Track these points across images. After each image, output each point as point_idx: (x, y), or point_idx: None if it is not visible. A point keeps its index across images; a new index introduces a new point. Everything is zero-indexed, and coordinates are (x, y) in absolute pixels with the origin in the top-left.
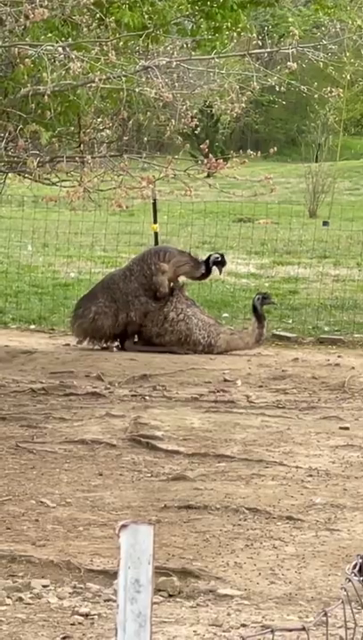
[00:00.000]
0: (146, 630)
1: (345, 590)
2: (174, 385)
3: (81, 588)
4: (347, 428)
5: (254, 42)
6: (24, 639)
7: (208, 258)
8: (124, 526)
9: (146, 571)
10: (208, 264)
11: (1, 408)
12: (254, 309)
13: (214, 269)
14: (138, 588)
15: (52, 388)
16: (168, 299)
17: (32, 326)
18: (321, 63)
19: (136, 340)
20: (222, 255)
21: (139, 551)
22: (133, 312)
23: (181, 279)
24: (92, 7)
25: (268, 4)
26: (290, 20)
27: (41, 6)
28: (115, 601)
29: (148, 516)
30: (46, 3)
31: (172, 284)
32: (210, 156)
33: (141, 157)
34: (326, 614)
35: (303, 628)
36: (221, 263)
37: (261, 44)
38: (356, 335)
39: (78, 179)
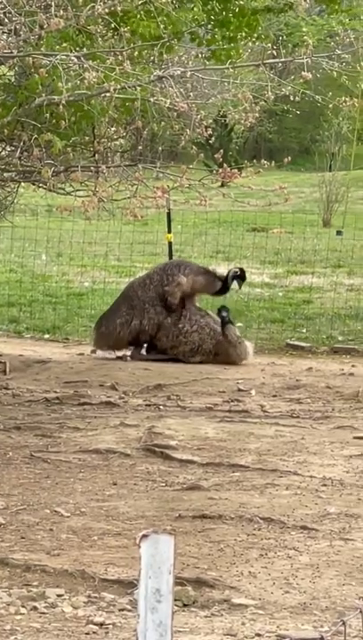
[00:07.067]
0: (167, 639)
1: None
2: (188, 394)
3: (95, 597)
4: (361, 438)
5: (269, 51)
6: None
7: (227, 273)
8: (145, 536)
9: (167, 580)
10: (226, 280)
11: (15, 417)
12: (225, 280)
13: (234, 284)
14: (159, 597)
15: (67, 398)
16: (182, 313)
17: (46, 336)
18: (335, 73)
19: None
20: (242, 269)
21: (159, 561)
22: (145, 320)
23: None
24: (106, 17)
25: (280, 11)
26: (304, 29)
27: (56, 16)
28: (129, 610)
29: (162, 526)
30: (61, 12)
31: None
32: (224, 165)
33: (155, 167)
34: (344, 624)
35: (322, 638)
36: (240, 277)
37: (275, 53)
38: None
39: (93, 188)
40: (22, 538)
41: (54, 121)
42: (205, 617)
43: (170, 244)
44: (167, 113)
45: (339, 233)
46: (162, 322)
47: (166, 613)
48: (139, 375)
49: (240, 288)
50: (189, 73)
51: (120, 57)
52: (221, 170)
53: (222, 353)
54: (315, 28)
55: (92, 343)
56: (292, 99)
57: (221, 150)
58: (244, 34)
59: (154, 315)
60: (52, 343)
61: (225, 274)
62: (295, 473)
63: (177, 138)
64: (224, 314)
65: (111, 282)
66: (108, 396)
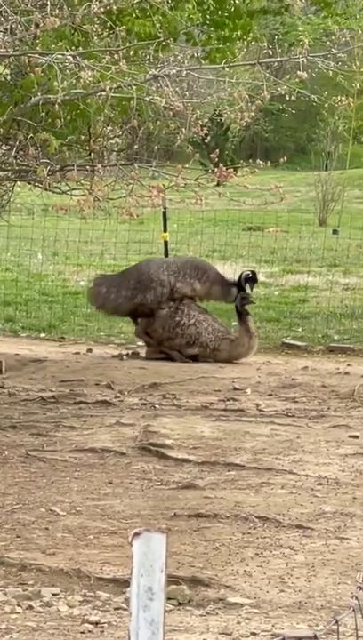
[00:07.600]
0: (158, 638)
1: (356, 599)
2: (184, 393)
3: (91, 596)
4: (357, 437)
5: (264, 51)
6: None
7: (239, 276)
8: (137, 534)
9: (159, 579)
10: (239, 283)
11: (11, 416)
12: (239, 283)
13: (246, 286)
14: (151, 595)
15: (62, 397)
16: (178, 306)
17: (42, 335)
18: (331, 72)
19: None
20: (254, 272)
21: (151, 559)
22: (148, 295)
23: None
24: (102, 16)
25: (277, 13)
26: (300, 28)
27: (51, 15)
28: (125, 609)
29: (157, 525)
30: (57, 11)
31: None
32: (220, 165)
33: (151, 166)
34: (337, 622)
35: (315, 637)
36: (252, 279)
37: (271, 52)
38: None
39: (88, 187)
40: (18, 537)
41: (50, 120)
42: (201, 616)
43: (166, 242)
44: (163, 112)
45: (335, 232)
46: (158, 311)
47: (158, 611)
48: (134, 374)
49: (252, 290)
50: (184, 72)
51: (116, 56)
52: (216, 169)
53: (224, 349)
54: (311, 28)
55: (86, 298)
56: (288, 98)
57: (217, 149)
58: (239, 34)
59: (160, 295)
60: (47, 342)
61: (236, 278)
62: (291, 472)
63: (173, 137)
64: (246, 302)
65: None
66: (104, 395)
